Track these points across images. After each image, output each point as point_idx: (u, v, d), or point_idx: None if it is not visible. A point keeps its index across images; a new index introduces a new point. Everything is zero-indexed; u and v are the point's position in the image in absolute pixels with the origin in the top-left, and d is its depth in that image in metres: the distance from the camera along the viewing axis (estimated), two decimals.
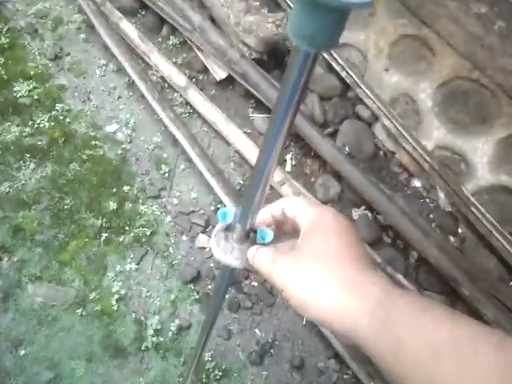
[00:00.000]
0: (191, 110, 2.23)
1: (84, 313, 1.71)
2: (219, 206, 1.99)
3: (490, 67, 1.74)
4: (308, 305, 0.47)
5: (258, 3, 2.43)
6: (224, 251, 0.62)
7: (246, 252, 0.59)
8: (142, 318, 1.75)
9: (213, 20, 2.36)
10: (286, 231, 0.60)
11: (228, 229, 0.62)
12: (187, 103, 2.24)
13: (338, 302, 0.44)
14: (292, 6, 2.33)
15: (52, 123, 2.10)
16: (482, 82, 1.80)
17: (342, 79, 2.21)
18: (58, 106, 2.15)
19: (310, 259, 0.49)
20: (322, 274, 0.47)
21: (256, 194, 0.54)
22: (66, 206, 1.92)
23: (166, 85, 2.29)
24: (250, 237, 0.60)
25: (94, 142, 2.09)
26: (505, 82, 1.70)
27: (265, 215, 0.59)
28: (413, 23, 1.97)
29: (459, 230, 2.02)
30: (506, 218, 1.88)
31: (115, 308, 1.74)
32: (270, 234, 0.57)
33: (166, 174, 2.06)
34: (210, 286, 1.85)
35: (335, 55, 2.20)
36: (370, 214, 2.00)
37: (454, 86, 1.92)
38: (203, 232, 1.95)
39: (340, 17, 0.36)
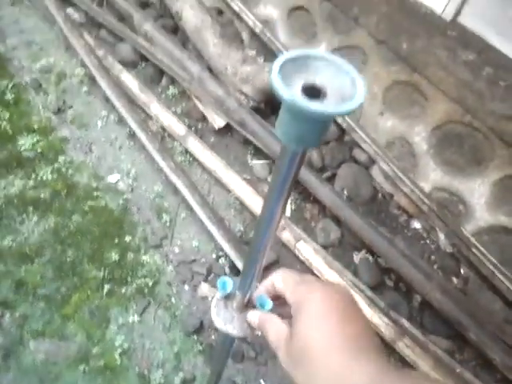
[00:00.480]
0: (191, 158, 2.27)
1: (87, 369, 1.69)
2: (220, 253, 2.00)
3: (481, 111, 1.78)
4: None
5: (254, 52, 2.51)
6: (224, 320, 0.63)
7: (246, 321, 0.61)
8: (146, 372, 1.73)
9: (211, 70, 2.44)
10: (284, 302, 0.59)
11: (228, 297, 0.64)
12: (187, 151, 2.28)
13: None
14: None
15: (55, 175, 2.14)
16: (474, 126, 1.84)
17: (338, 124, 2.26)
18: (61, 159, 2.20)
19: (298, 351, 0.47)
20: (311, 370, 0.45)
21: (255, 265, 0.57)
22: (68, 259, 1.93)
23: (166, 134, 2.34)
24: (249, 305, 0.62)
25: (95, 193, 2.12)
26: (496, 125, 1.74)
27: (261, 288, 0.59)
28: (404, 70, 2.03)
29: (461, 271, 2.01)
30: (507, 259, 1.88)
31: (118, 362, 1.72)
32: (269, 302, 0.59)
33: (168, 223, 2.08)
34: (213, 337, 1.83)
35: None
36: (370, 258, 2.01)
37: (447, 129, 1.96)
38: (205, 280, 1.95)
39: (324, 123, 0.39)
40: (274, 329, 0.53)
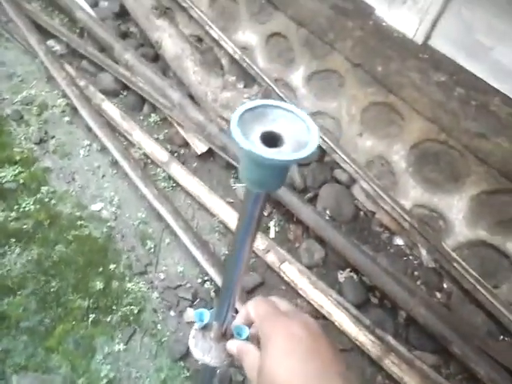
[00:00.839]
0: (174, 184, 2.29)
1: None
2: (206, 278, 2.00)
3: (455, 130, 1.83)
4: None
5: (234, 78, 2.56)
6: (202, 351, 0.64)
7: (224, 350, 0.62)
8: None
9: (191, 97, 2.48)
10: None
11: (205, 328, 0.65)
12: (170, 177, 2.30)
13: None
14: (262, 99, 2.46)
15: (37, 206, 2.14)
16: (449, 144, 1.89)
17: (319, 146, 2.30)
18: (44, 189, 2.20)
19: None
20: None
21: (229, 297, 0.59)
22: (52, 289, 1.91)
23: (149, 161, 2.36)
24: (227, 335, 0.63)
25: (79, 222, 2.12)
26: (470, 143, 1.79)
27: (238, 317, 0.60)
28: (380, 91, 2.09)
29: (444, 286, 2.04)
30: (487, 272, 1.91)
31: None
32: (246, 331, 0.60)
33: (152, 249, 2.08)
34: (200, 362, 1.81)
35: None
36: (355, 276, 2.02)
37: (424, 147, 2.01)
38: (191, 306, 1.94)
39: (282, 168, 0.41)
40: (250, 359, 0.54)
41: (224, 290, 0.60)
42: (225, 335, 0.63)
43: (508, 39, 1.72)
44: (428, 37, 2.00)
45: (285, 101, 2.40)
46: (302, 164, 2.29)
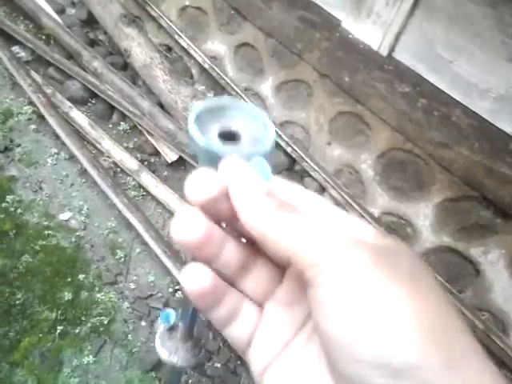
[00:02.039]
0: (144, 193, 2.28)
1: None
2: (177, 287, 1.99)
3: (420, 139, 1.90)
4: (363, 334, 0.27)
5: (203, 87, 2.58)
6: (169, 351, 0.64)
7: (190, 351, 0.62)
8: None
9: (161, 106, 2.47)
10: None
11: (172, 329, 0.66)
12: (140, 186, 2.28)
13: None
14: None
15: (2, 215, 2.08)
16: (415, 152, 1.96)
17: (288, 154, 2.34)
18: (9, 198, 2.14)
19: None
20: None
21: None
22: (17, 301, 1.86)
23: (119, 169, 2.34)
24: (193, 335, 0.64)
25: (46, 232, 2.07)
26: (434, 152, 1.86)
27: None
28: (347, 101, 2.14)
29: None
30: (452, 277, 1.98)
31: None
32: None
33: (122, 259, 2.05)
34: (167, 363, 1.80)
35: (280, 132, 2.34)
36: None
37: (390, 156, 2.08)
38: None
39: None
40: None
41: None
42: (191, 336, 0.64)
43: (466, 53, 1.80)
44: (392, 49, 2.07)
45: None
46: (273, 172, 2.31)
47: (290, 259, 0.30)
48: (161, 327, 0.66)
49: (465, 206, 1.87)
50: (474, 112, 1.85)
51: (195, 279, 0.32)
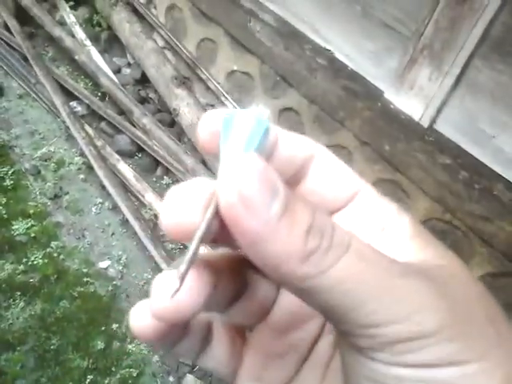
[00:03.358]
0: (181, 246, 2.32)
1: None
2: None
3: (460, 211, 1.89)
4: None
5: None
6: None
7: None
8: None
9: (204, 163, 2.57)
10: None
11: None
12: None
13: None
14: None
15: (46, 260, 2.16)
16: (454, 224, 1.95)
17: None
18: (53, 243, 2.23)
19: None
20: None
21: None
22: (52, 347, 1.89)
23: (159, 222, 2.40)
24: None
25: (85, 279, 2.13)
26: (473, 224, 1.85)
27: None
28: (387, 169, 2.17)
29: None
30: None
31: None
32: None
33: None
34: None
35: None
36: None
37: (429, 226, 2.06)
38: (190, 372, 1.91)
39: None
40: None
41: None
42: None
43: (509, 129, 1.83)
44: (433, 121, 2.11)
45: None
46: None
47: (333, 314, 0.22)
48: None
49: (508, 282, 1.82)
50: None
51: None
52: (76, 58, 3.02)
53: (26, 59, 3.00)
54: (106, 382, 1.84)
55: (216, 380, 1.89)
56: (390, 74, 2.20)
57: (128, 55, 3.33)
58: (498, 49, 1.75)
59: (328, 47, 2.47)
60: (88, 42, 3.21)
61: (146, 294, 2.12)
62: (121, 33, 3.20)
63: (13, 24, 3.14)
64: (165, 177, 2.63)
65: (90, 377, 1.83)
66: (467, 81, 1.89)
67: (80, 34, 3.26)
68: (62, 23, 3.32)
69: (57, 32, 3.11)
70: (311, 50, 2.50)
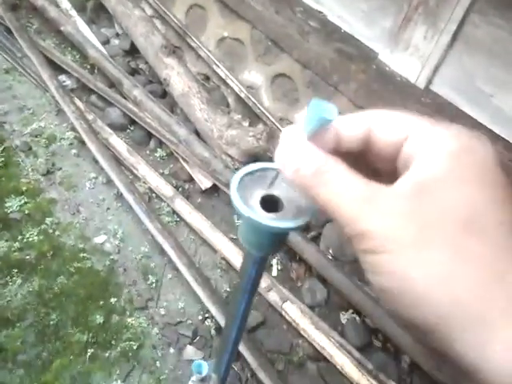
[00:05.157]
0: (178, 219, 2.30)
1: None
2: (206, 315, 1.98)
3: None
4: (418, 284, 0.28)
5: (239, 116, 2.62)
6: None
7: None
8: None
9: (197, 134, 2.52)
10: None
11: (203, 380, 0.65)
12: (174, 212, 2.31)
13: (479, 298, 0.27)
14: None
15: (41, 237, 2.14)
16: None
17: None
18: (48, 220, 2.21)
19: (430, 212, 0.28)
20: (453, 244, 0.28)
21: (228, 352, 0.59)
22: (51, 322, 1.89)
23: (154, 195, 2.38)
24: None
25: (82, 254, 2.12)
26: None
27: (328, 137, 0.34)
28: None
29: None
30: None
31: None
32: (204, 366, 0.60)
33: (153, 284, 2.07)
34: None
35: None
36: (357, 318, 2.01)
37: None
38: (191, 343, 1.92)
39: (280, 235, 0.42)
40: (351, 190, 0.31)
41: (223, 345, 0.60)
42: None
43: (507, 87, 1.77)
44: (430, 82, 2.06)
45: None
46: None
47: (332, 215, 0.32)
48: (193, 377, 0.66)
49: None
50: None
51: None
52: (62, 29, 2.94)
53: (10, 32, 2.91)
54: (107, 355, 1.85)
55: (216, 350, 1.90)
56: (384, 35, 2.13)
57: (116, 25, 3.23)
58: (496, 2, 1.68)
59: (320, 9, 2.39)
60: (73, 12, 3.11)
61: (143, 268, 2.12)
62: (107, 2, 3.10)
63: None
64: (158, 149, 2.59)
65: (90, 350, 1.84)
66: (464, 38, 1.82)
67: (65, 3, 3.16)
68: None
69: (40, 2, 3.01)
70: (303, 12, 2.42)
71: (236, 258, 2.11)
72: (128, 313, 1.98)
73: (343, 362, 1.81)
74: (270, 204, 0.37)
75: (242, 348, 1.78)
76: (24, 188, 2.30)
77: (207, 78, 2.98)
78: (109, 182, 2.40)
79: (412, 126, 0.33)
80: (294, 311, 1.95)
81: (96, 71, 2.92)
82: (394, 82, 2.12)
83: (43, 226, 2.19)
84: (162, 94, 2.88)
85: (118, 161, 2.46)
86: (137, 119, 2.64)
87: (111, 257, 2.14)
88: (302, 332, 1.91)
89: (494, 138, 1.83)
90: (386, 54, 2.16)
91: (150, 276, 2.09)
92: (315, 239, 2.22)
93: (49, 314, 1.92)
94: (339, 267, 2.04)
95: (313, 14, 2.38)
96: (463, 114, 1.91)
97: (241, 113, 2.70)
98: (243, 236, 0.42)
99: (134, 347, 1.88)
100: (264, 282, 2.03)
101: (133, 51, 3.08)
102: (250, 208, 0.36)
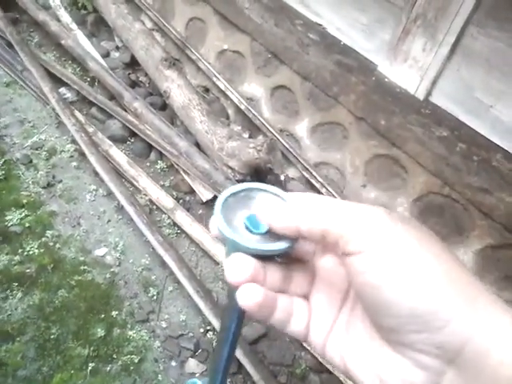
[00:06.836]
0: (179, 231, 2.30)
1: None
2: (208, 327, 1.97)
3: (458, 184, 1.86)
4: (394, 290, 0.33)
5: (239, 128, 2.63)
6: None
7: None
8: None
9: (198, 145, 2.53)
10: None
11: None
12: (175, 224, 2.31)
13: (451, 307, 0.32)
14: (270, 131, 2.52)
15: (42, 250, 2.13)
16: (453, 197, 1.92)
17: (321, 193, 2.33)
18: (49, 233, 2.20)
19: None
20: (427, 259, 0.34)
21: (220, 372, 0.57)
22: (52, 336, 1.88)
23: (155, 207, 2.38)
24: None
25: (82, 267, 2.11)
26: (473, 197, 1.82)
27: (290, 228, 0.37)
28: (383, 144, 2.14)
29: None
30: None
31: None
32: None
33: (155, 297, 2.06)
34: None
35: (314, 173, 2.35)
36: None
37: (428, 200, 2.04)
38: (192, 356, 1.91)
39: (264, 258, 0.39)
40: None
41: (214, 366, 0.57)
42: None
43: (506, 98, 1.78)
44: (429, 93, 2.07)
45: (289, 151, 2.45)
46: None
47: (324, 237, 0.36)
48: None
49: (508, 254, 1.80)
50: None
51: (250, 296, 0.37)
52: (62, 42, 2.95)
53: (10, 45, 2.93)
54: (108, 369, 1.83)
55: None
56: (384, 47, 2.15)
57: (116, 38, 3.25)
58: (494, 15, 1.70)
59: (319, 22, 2.41)
60: (74, 26, 3.13)
61: (144, 281, 2.11)
62: (107, 15, 3.12)
63: None
64: (159, 161, 2.60)
65: (91, 364, 1.82)
66: (462, 49, 1.84)
67: (65, 17, 3.18)
68: (46, 7, 3.23)
69: (41, 16, 3.04)
70: (302, 25, 2.43)
71: None
72: (129, 326, 1.97)
73: None
74: (255, 225, 0.37)
75: (243, 361, 1.77)
76: (24, 201, 2.29)
77: (207, 90, 2.99)
78: (109, 195, 2.40)
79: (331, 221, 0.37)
80: None
81: (96, 84, 2.93)
82: (394, 94, 2.14)
83: (44, 239, 2.18)
84: (163, 106, 2.89)
85: (118, 173, 2.46)
86: (137, 131, 2.64)
87: (112, 269, 2.14)
88: (305, 344, 1.90)
89: (494, 148, 1.84)
90: (386, 65, 2.17)
91: (151, 288, 2.08)
92: None
93: (49, 328, 1.90)
94: None
95: (312, 27, 2.40)
96: (463, 124, 1.92)
97: (241, 124, 2.71)
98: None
99: (136, 361, 1.86)
100: None
101: (133, 64, 3.10)
102: (233, 229, 0.36)
